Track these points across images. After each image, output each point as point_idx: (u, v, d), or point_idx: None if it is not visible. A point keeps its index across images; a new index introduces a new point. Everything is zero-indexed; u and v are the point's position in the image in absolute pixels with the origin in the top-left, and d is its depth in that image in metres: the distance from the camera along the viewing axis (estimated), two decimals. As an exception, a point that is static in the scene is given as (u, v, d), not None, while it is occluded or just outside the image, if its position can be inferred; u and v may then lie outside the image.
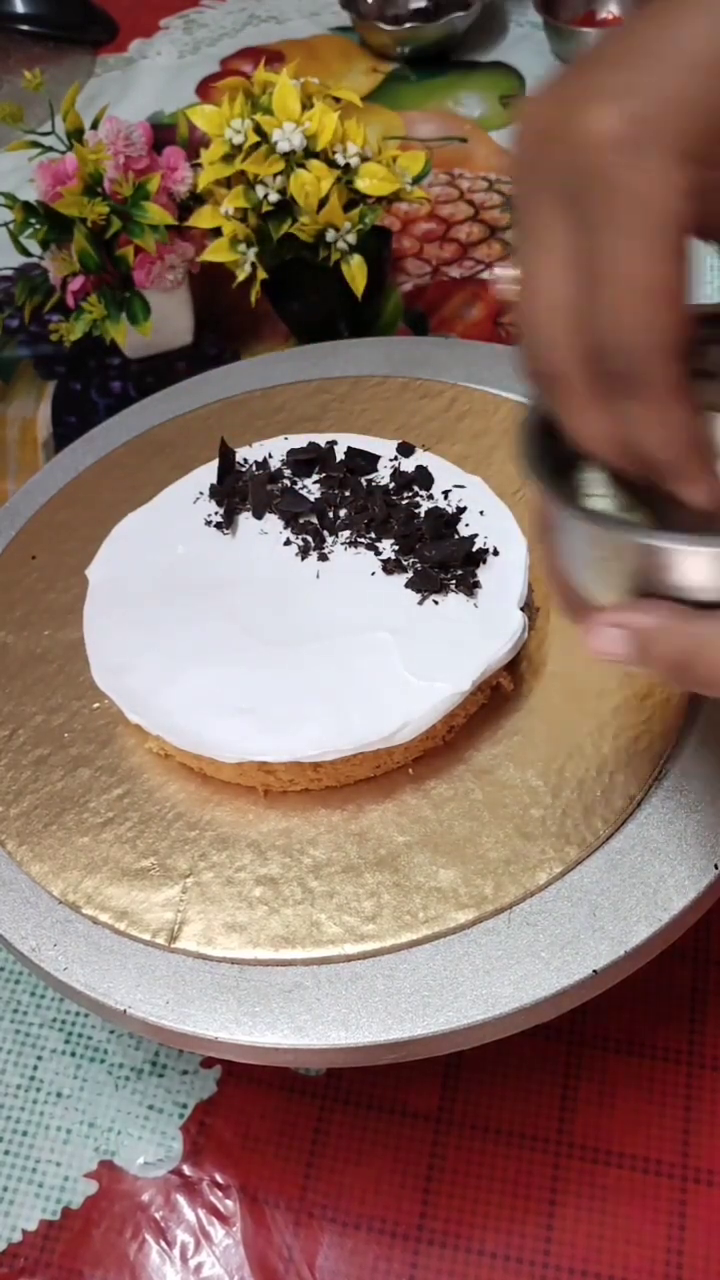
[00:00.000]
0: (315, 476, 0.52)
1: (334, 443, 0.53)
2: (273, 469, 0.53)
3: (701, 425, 0.30)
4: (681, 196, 0.27)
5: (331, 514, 0.50)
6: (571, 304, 0.29)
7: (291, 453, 0.53)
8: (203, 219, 0.71)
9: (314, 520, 0.50)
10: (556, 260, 0.29)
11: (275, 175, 0.67)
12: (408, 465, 0.52)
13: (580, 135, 0.27)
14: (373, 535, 0.49)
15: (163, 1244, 0.47)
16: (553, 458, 0.33)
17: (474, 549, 0.47)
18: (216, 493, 0.52)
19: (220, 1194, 0.48)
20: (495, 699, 0.46)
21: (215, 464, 0.53)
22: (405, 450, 0.53)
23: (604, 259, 0.27)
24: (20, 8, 1.18)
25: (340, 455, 0.53)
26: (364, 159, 0.68)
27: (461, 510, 0.49)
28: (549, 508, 0.33)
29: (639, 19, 0.28)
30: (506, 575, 0.47)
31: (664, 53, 0.27)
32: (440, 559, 0.47)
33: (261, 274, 0.70)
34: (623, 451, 0.30)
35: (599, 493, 0.35)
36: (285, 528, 0.50)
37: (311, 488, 0.52)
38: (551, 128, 0.28)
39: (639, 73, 0.27)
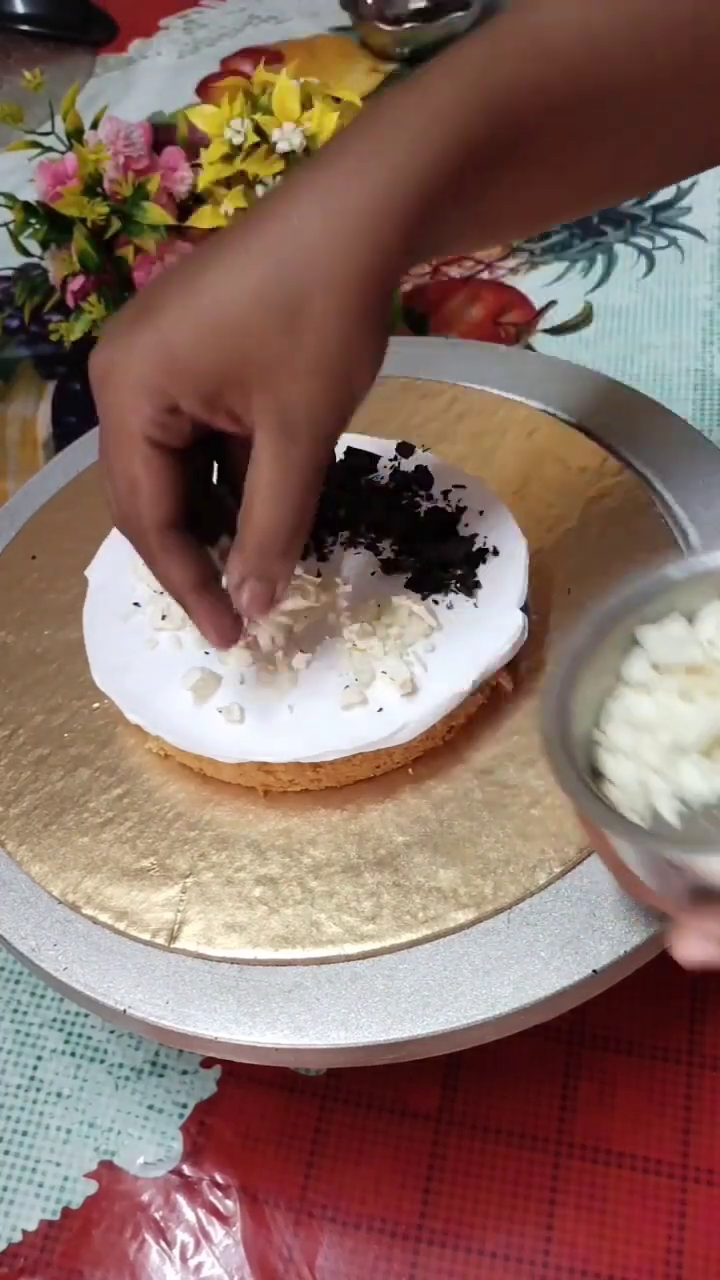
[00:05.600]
0: (315, 476, 0.52)
1: (334, 443, 0.53)
2: (273, 469, 0.53)
3: (189, 575, 0.38)
4: (141, 419, 0.35)
5: (331, 513, 0.50)
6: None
7: (291, 453, 0.53)
8: (203, 219, 0.71)
9: (313, 520, 0.50)
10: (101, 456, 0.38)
11: (275, 175, 0.67)
12: (408, 465, 0.52)
13: (90, 370, 0.37)
14: (373, 535, 0.49)
15: (163, 1244, 0.47)
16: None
17: (474, 549, 0.47)
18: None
19: (220, 1194, 0.48)
20: (495, 699, 0.46)
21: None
22: (405, 450, 0.53)
23: (103, 458, 0.38)
24: (20, 8, 1.18)
25: (340, 455, 0.53)
26: (364, 159, 0.68)
27: (461, 510, 0.49)
28: (585, 818, 0.33)
29: (178, 267, 0.36)
30: (506, 575, 0.47)
31: (155, 308, 0.35)
32: (440, 559, 0.47)
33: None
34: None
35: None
36: (285, 528, 0.50)
37: (311, 488, 0.52)
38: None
39: (132, 327, 0.35)
